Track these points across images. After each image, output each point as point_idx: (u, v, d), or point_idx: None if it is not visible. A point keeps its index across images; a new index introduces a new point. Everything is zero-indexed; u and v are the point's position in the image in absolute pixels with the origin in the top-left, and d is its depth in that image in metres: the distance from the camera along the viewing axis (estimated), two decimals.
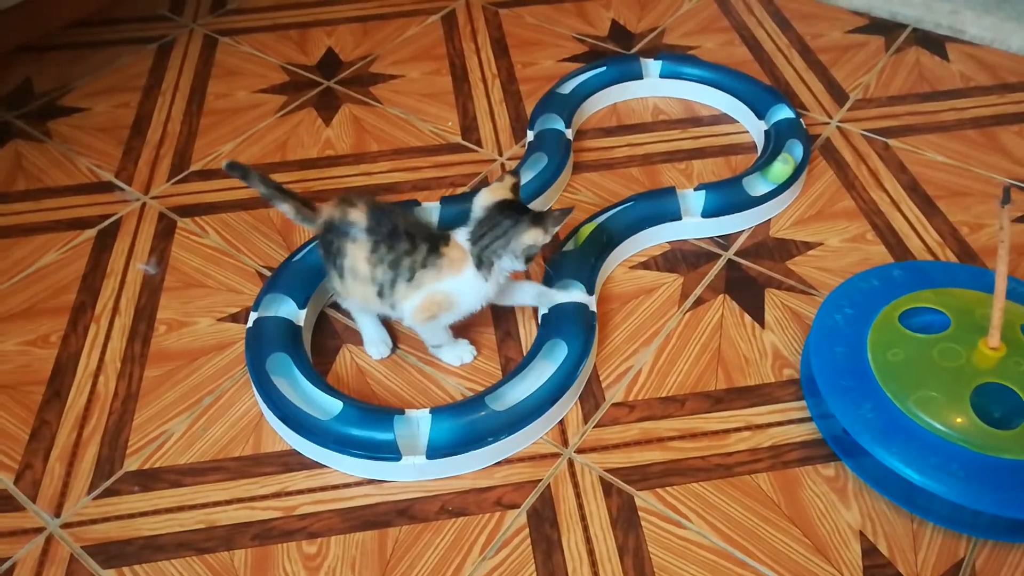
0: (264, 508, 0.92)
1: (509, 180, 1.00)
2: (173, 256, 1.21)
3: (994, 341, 0.90)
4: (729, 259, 1.18)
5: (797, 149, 1.27)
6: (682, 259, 1.18)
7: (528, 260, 0.98)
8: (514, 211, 0.96)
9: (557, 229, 0.98)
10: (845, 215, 1.24)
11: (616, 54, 1.58)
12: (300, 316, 1.06)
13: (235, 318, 1.12)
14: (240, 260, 1.20)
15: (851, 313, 1.00)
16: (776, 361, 1.05)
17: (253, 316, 1.05)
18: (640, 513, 0.90)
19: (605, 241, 1.14)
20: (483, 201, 0.98)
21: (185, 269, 1.19)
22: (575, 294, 1.06)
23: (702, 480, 0.93)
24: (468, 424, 0.93)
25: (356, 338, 1.09)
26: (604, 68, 1.44)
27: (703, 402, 1.00)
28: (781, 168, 1.24)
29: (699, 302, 1.12)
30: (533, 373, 0.98)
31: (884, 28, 1.63)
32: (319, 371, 1.04)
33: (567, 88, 1.41)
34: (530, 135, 1.34)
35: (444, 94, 1.50)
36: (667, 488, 0.92)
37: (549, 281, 1.09)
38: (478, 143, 1.39)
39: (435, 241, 0.96)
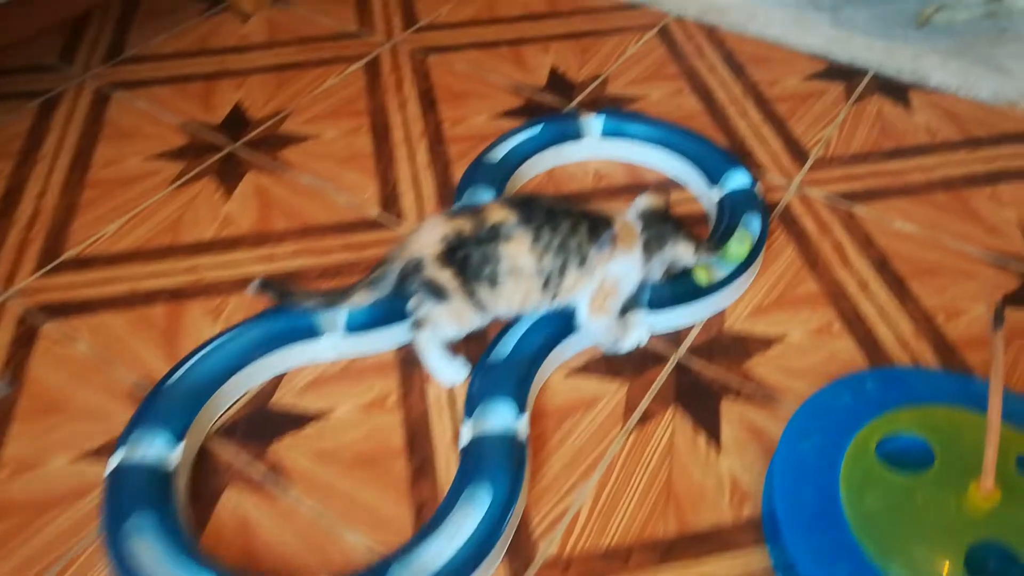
0: None
1: (663, 196, 1.03)
2: (31, 370, 1.03)
3: (988, 484, 0.77)
4: (678, 362, 1.03)
5: (755, 223, 1.14)
6: (626, 360, 1.03)
7: (663, 273, 1.02)
8: (674, 222, 1.01)
9: (703, 259, 1.02)
10: (808, 301, 1.11)
11: (553, 109, 1.43)
12: (175, 453, 0.89)
13: (99, 453, 0.94)
14: (113, 375, 1.02)
15: (820, 441, 0.86)
16: (735, 494, 0.90)
17: (116, 459, 0.88)
18: None
19: (540, 344, 0.99)
20: (643, 203, 1.02)
21: (45, 387, 1.01)
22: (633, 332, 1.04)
23: None
24: None
25: (241, 477, 0.92)
26: (539, 129, 1.29)
27: (651, 554, 0.85)
28: (737, 248, 1.10)
29: (646, 417, 0.97)
30: (449, 529, 0.82)
31: (843, 74, 1.51)
32: (196, 523, 0.88)
33: (498, 155, 1.26)
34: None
35: (363, 157, 1.34)
36: None
37: (470, 404, 0.94)
38: (399, 215, 1.23)
39: (594, 219, 0.95)
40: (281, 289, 0.98)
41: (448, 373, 1.00)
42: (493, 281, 0.93)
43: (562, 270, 0.93)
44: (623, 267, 0.96)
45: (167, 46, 1.60)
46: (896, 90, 1.47)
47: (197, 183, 1.29)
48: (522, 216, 0.92)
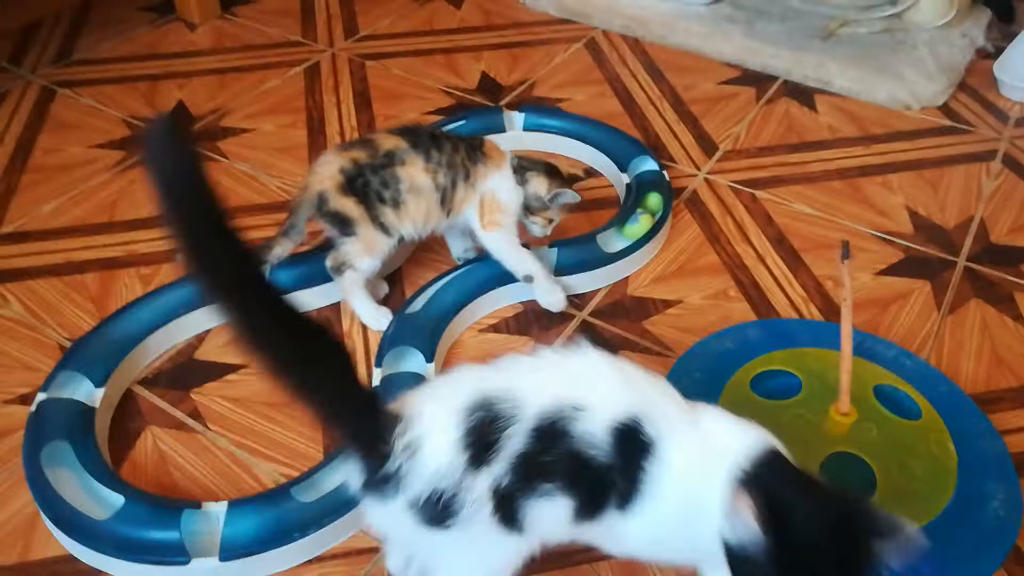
0: None
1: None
2: None
3: (844, 406, 0.84)
4: (583, 320, 1.10)
5: (657, 203, 1.22)
6: (535, 320, 1.10)
7: (528, 212, 1.08)
8: (549, 167, 1.09)
9: (556, 195, 1.07)
10: (708, 271, 1.19)
11: (482, 107, 1.52)
12: (96, 396, 0.93)
13: (25, 400, 0.98)
14: (43, 333, 1.07)
15: (700, 378, 0.93)
16: None
17: (39, 398, 0.92)
18: None
19: (451, 302, 1.06)
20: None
21: None
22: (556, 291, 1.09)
23: None
24: (271, 518, 0.81)
25: (162, 419, 0.97)
26: (464, 121, 1.38)
27: None
28: (638, 224, 1.18)
29: None
30: None
31: (755, 80, 1.62)
32: (115, 459, 0.92)
33: None
34: None
35: (297, 148, 1.41)
36: None
37: (381, 352, 1.00)
38: None
39: (469, 140, 1.06)
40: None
41: (372, 316, 1.06)
42: (396, 202, 1.01)
43: (453, 185, 1.03)
44: (496, 182, 1.05)
45: (115, 51, 1.67)
46: (803, 94, 1.58)
47: (136, 169, 1.35)
48: (411, 142, 1.01)
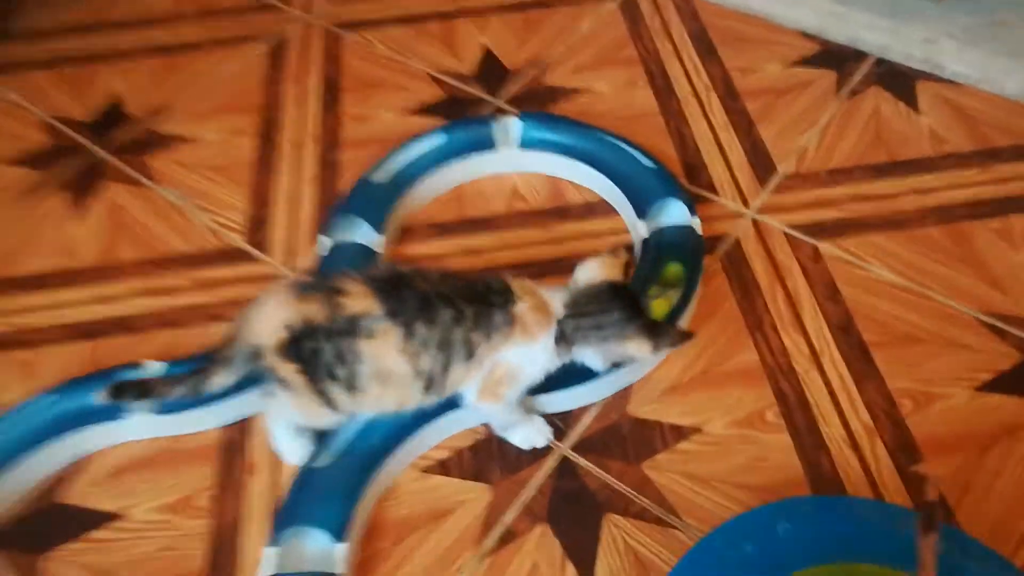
0: None
1: (624, 256, 0.78)
2: None
3: None
4: (563, 457, 0.83)
5: (678, 275, 0.91)
6: (498, 455, 0.83)
7: (614, 367, 0.80)
8: (628, 304, 0.75)
9: (668, 351, 0.82)
10: (742, 377, 0.88)
11: (478, 102, 1.20)
12: None
13: None
14: None
15: None
16: None
17: None
18: None
19: (379, 443, 0.80)
20: (589, 273, 0.77)
21: None
22: None
23: None
24: None
25: None
26: (445, 136, 1.07)
27: None
28: (653, 310, 0.88)
29: (508, 538, 0.78)
30: None
31: (839, 59, 1.24)
32: None
33: (386, 172, 1.04)
34: (325, 243, 0.98)
35: (239, 167, 1.14)
36: None
37: (277, 525, 0.75)
38: (263, 246, 1.04)
39: (488, 297, 0.73)
40: (139, 389, 0.77)
41: (288, 450, 0.81)
42: (351, 385, 0.71)
43: (446, 368, 0.72)
44: (520, 357, 0.74)
45: (55, 18, 1.40)
46: (901, 81, 1.20)
47: (50, 200, 1.11)
48: (389, 308, 0.70)
